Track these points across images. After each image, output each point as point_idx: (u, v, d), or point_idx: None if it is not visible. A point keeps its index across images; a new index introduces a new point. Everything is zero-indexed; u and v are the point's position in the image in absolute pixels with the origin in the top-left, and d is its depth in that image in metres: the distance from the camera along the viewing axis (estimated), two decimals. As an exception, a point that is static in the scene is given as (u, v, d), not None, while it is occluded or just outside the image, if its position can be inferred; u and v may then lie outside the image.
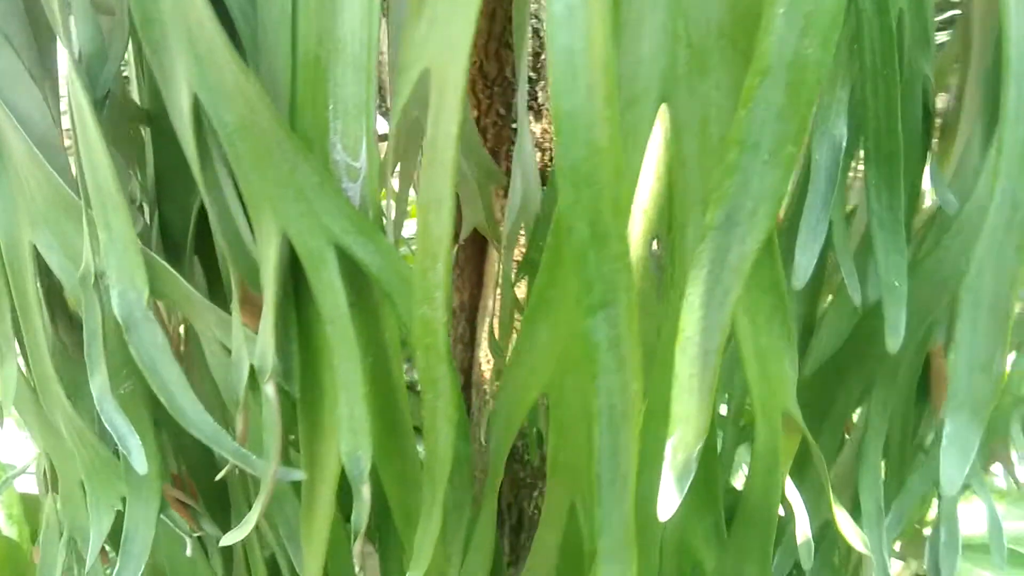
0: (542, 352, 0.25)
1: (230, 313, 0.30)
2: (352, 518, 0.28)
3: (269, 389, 0.27)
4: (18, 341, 0.39)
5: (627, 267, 0.18)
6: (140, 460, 0.32)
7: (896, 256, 0.30)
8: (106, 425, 0.32)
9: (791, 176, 0.19)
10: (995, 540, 0.41)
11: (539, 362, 0.25)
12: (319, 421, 0.30)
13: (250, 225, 0.33)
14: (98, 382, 0.32)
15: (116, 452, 0.37)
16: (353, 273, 0.26)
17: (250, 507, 0.41)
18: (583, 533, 0.27)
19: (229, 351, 0.32)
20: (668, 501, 0.21)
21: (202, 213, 0.35)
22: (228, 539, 0.31)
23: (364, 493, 0.27)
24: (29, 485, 0.83)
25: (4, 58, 0.32)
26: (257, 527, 0.44)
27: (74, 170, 0.31)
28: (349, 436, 0.27)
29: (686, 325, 0.21)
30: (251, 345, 0.29)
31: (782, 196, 0.19)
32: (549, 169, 0.57)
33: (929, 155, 0.35)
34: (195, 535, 0.38)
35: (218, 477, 0.32)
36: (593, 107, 0.17)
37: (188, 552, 0.37)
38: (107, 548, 0.43)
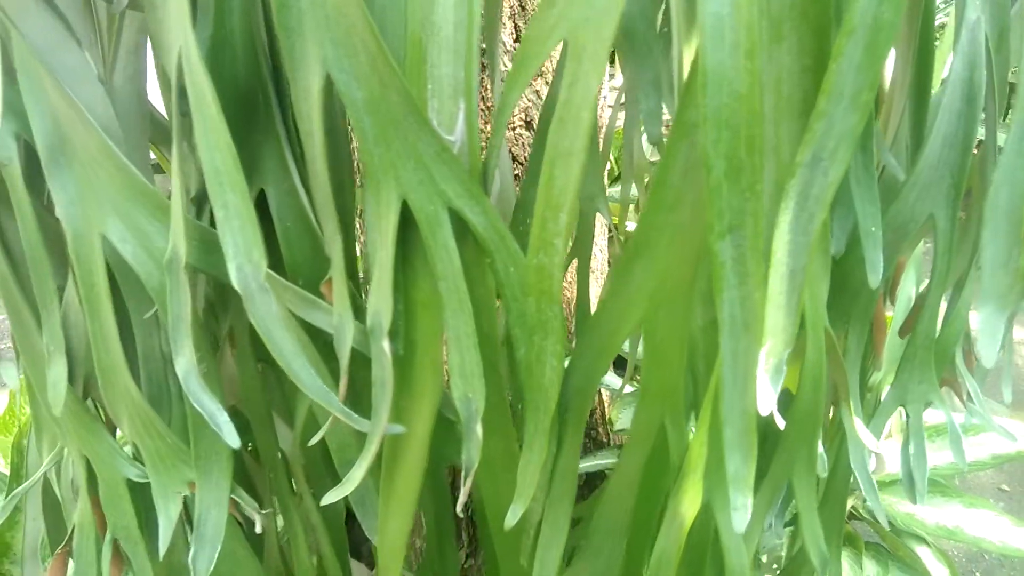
0: (637, 289, 0.29)
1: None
2: (463, 458, 0.31)
3: (386, 346, 0.30)
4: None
5: (757, 195, 0.22)
6: (232, 435, 0.33)
7: (871, 207, 0.36)
8: (194, 404, 0.33)
9: (866, 119, 0.24)
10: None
11: (634, 298, 0.29)
12: (411, 377, 0.33)
13: (312, 206, 0.35)
14: (183, 363, 0.33)
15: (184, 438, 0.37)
16: (459, 233, 0.29)
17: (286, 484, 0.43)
18: (671, 448, 0.31)
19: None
20: (766, 398, 0.26)
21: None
22: (330, 497, 0.33)
23: (477, 431, 0.30)
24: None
25: (71, 54, 0.33)
26: (300, 500, 0.45)
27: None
28: (461, 381, 0.30)
29: (777, 248, 0.25)
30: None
31: (857, 137, 0.24)
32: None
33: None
34: (263, 512, 0.40)
35: (316, 439, 0.33)
36: (737, 61, 0.21)
37: (258, 529, 0.39)
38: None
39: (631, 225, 1.38)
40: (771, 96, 0.25)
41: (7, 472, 0.86)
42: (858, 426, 0.36)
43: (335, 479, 0.40)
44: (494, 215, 0.29)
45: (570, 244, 0.59)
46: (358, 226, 0.65)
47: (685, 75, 0.28)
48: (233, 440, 0.33)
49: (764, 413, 0.26)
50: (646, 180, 0.73)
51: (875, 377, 0.74)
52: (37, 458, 0.57)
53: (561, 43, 0.24)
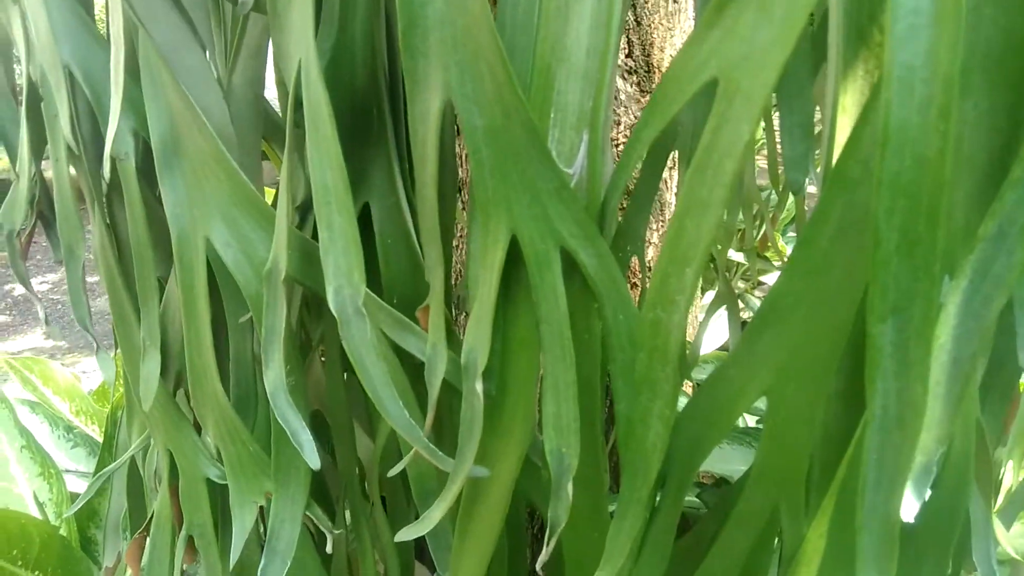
0: (764, 359, 0.26)
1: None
2: (550, 515, 0.28)
3: (479, 386, 0.28)
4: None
5: (932, 276, 0.19)
6: (313, 455, 0.32)
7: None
8: (278, 419, 0.32)
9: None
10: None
11: (759, 368, 0.26)
12: (501, 419, 0.30)
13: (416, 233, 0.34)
14: (272, 376, 0.32)
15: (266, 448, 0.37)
16: (568, 274, 0.27)
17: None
18: (785, 537, 0.28)
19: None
20: (909, 504, 0.22)
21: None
22: (405, 534, 0.31)
23: (568, 489, 0.28)
24: (78, 485, 0.82)
25: (193, 55, 0.32)
26: (375, 526, 0.44)
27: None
28: (555, 434, 0.28)
29: (941, 332, 0.22)
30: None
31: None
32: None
33: None
34: (336, 532, 0.39)
35: (396, 470, 0.32)
36: (927, 121, 0.18)
37: (328, 549, 0.38)
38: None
39: (733, 254, 1.32)
40: (950, 156, 0.22)
41: (98, 437, 0.90)
42: (997, 526, 0.32)
43: (409, 494, 0.39)
44: (609, 259, 0.26)
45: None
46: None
47: (840, 121, 0.25)
48: (314, 461, 0.32)
49: (906, 519, 0.23)
50: (754, 209, 0.69)
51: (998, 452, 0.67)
52: (127, 438, 0.59)
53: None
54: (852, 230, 0.23)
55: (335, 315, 0.28)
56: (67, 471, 0.81)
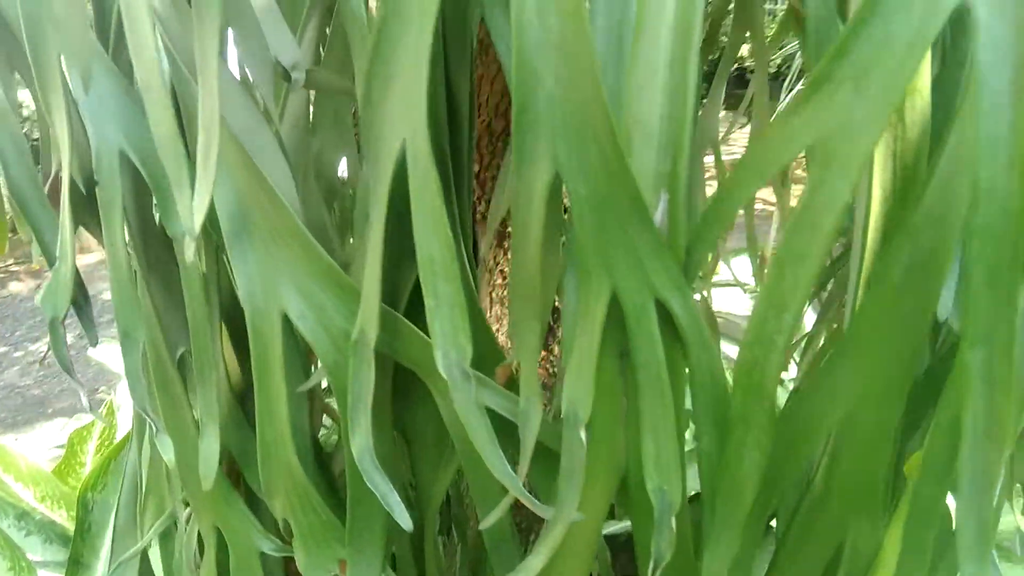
0: (843, 387, 0.29)
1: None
2: (653, 550, 0.30)
3: (583, 435, 0.29)
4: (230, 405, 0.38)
5: (1014, 306, 0.23)
6: (405, 517, 0.33)
7: None
8: (368, 484, 0.33)
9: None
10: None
11: (839, 395, 0.29)
12: (589, 464, 0.32)
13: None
14: (359, 442, 0.33)
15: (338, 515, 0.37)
16: (661, 323, 0.29)
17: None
18: (860, 546, 0.31)
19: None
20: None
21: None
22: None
23: (672, 525, 0.30)
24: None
25: (262, 133, 0.33)
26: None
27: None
28: (656, 473, 0.30)
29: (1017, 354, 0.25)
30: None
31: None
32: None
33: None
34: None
35: (489, 521, 0.33)
36: (1011, 182, 0.21)
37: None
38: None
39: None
40: None
41: (64, 522, 0.84)
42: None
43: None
44: (694, 305, 0.29)
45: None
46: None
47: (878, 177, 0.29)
48: (406, 522, 0.33)
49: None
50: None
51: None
52: (129, 519, 0.56)
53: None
54: (918, 269, 0.26)
55: (445, 377, 0.29)
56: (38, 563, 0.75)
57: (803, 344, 0.82)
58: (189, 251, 0.30)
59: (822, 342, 0.71)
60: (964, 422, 0.24)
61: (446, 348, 0.29)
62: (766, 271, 0.27)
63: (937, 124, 0.27)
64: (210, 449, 0.37)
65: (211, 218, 0.33)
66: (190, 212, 0.27)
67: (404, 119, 0.27)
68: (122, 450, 0.76)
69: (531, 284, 0.30)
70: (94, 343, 0.40)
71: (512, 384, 0.35)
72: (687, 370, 0.30)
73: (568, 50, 0.25)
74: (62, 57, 0.33)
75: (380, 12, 0.27)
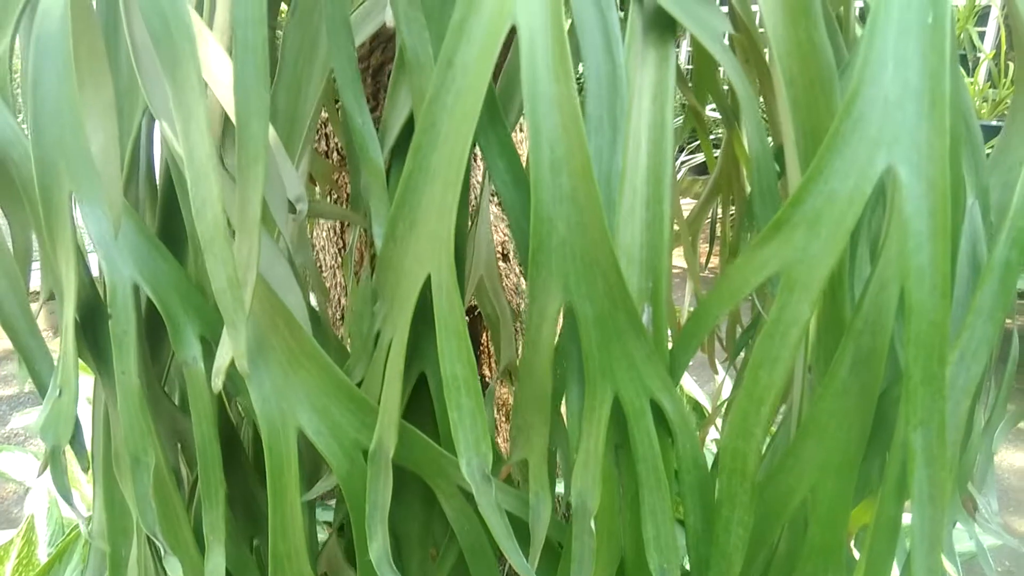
0: (808, 463, 0.34)
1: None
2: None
3: (592, 525, 0.33)
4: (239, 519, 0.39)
5: (943, 397, 0.29)
6: (425, 617, 0.35)
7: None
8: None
9: (1000, 330, 0.31)
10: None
11: (806, 468, 0.34)
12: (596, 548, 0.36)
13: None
14: (377, 548, 0.35)
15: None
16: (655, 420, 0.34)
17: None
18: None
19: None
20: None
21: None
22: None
23: (675, 600, 0.34)
24: None
25: (280, 266, 0.36)
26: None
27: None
28: (657, 554, 0.34)
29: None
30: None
31: (994, 343, 0.31)
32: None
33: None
34: None
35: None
36: (935, 300, 0.28)
37: None
38: None
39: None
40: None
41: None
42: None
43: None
44: (682, 403, 0.34)
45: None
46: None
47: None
48: (427, 623, 0.35)
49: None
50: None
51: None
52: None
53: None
54: (861, 364, 0.32)
55: (468, 481, 0.32)
56: None
57: (724, 408, 0.89)
58: (218, 382, 0.32)
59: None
60: (912, 492, 0.30)
61: (469, 456, 0.32)
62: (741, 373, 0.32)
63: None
64: (216, 567, 0.37)
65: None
66: (243, 352, 0.29)
67: (430, 255, 0.31)
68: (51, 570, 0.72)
69: (540, 392, 0.33)
70: (86, 468, 0.40)
71: (508, 479, 0.38)
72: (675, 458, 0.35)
73: (579, 202, 0.29)
74: (74, 197, 0.35)
75: (408, 166, 0.31)
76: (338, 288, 0.92)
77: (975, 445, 0.52)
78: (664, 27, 0.34)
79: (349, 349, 0.42)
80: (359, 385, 0.39)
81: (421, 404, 0.40)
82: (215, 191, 0.26)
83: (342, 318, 0.92)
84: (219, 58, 0.30)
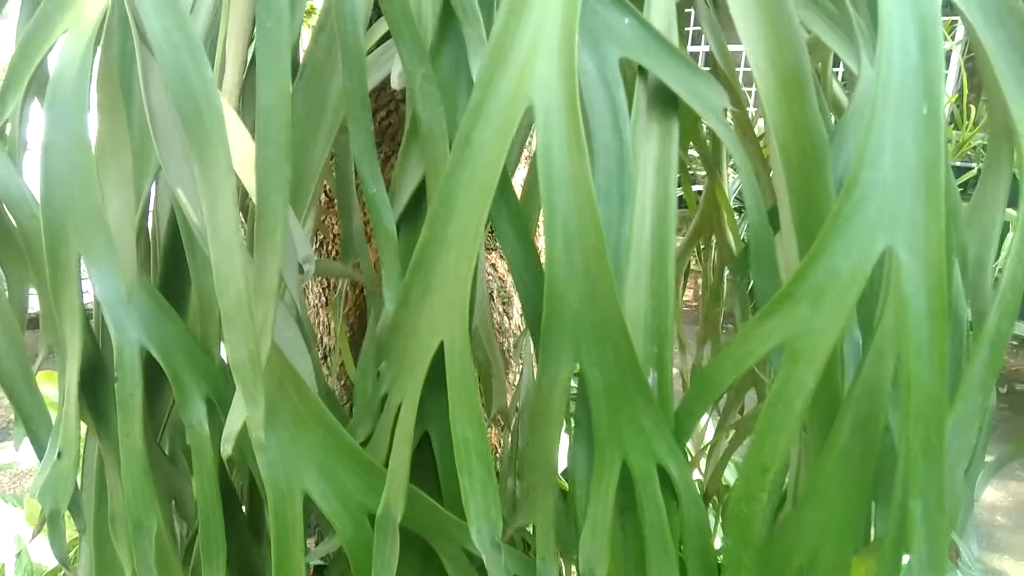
0: (809, 525, 0.35)
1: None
2: None
3: (601, 591, 0.33)
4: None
5: (941, 466, 0.30)
6: None
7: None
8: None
9: (989, 397, 0.32)
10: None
11: (806, 531, 0.35)
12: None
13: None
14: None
15: None
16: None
17: None
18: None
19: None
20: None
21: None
22: None
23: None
24: None
25: (290, 330, 0.36)
26: None
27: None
28: (663, 617, 0.34)
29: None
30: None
31: (984, 411, 0.32)
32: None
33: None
34: None
35: None
36: (934, 377, 0.29)
37: None
38: None
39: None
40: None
41: None
42: None
43: None
44: (687, 467, 0.34)
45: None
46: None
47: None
48: None
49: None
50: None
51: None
52: None
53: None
54: (860, 430, 0.33)
55: (478, 547, 0.32)
56: None
57: (708, 450, 0.90)
58: (227, 449, 0.32)
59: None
60: (912, 558, 0.31)
61: (479, 523, 0.32)
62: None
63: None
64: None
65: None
66: (261, 424, 0.29)
67: (445, 322, 0.32)
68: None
69: (548, 457, 0.34)
70: (82, 530, 0.39)
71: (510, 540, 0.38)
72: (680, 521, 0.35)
73: (591, 277, 0.30)
74: (82, 260, 0.35)
75: (424, 235, 0.32)
76: (321, 327, 0.92)
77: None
78: (667, 102, 0.36)
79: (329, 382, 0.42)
80: (363, 444, 0.39)
81: (423, 461, 0.40)
82: (239, 269, 0.27)
83: (324, 358, 0.92)
84: (236, 129, 0.31)
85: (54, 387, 0.42)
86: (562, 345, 0.31)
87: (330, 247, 0.89)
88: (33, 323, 0.45)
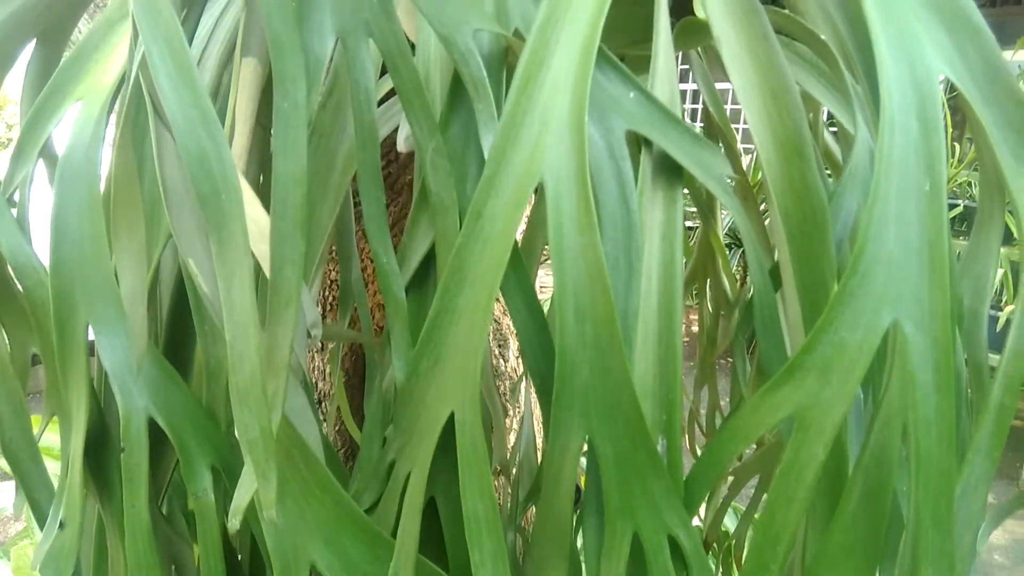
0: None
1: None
2: None
3: (614, 663, 0.33)
4: None
5: (951, 541, 0.30)
6: None
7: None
8: None
9: (996, 463, 0.32)
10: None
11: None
12: None
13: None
14: None
15: None
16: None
17: None
18: None
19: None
20: None
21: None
22: None
23: None
24: None
25: (298, 398, 0.36)
26: None
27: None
28: None
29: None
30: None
31: (990, 480, 0.33)
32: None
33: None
34: None
35: None
36: (942, 451, 0.29)
37: None
38: None
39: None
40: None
41: None
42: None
43: None
44: (697, 536, 0.34)
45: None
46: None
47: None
48: None
49: None
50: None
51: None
52: None
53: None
54: (867, 500, 0.33)
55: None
56: None
57: (707, 497, 0.90)
58: (235, 523, 0.31)
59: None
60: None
61: (491, 596, 0.32)
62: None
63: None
64: None
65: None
66: (273, 501, 0.29)
67: (455, 393, 0.32)
68: None
69: (560, 528, 0.34)
70: (82, 602, 0.39)
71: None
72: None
73: (602, 347, 0.31)
74: (90, 327, 0.35)
75: (435, 306, 0.32)
76: (316, 372, 0.92)
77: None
78: (671, 171, 0.36)
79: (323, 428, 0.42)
80: (369, 510, 0.39)
81: (428, 523, 0.40)
82: (253, 348, 0.27)
83: (319, 403, 0.91)
84: (250, 203, 0.31)
85: (53, 435, 0.41)
86: (573, 416, 0.31)
87: (327, 292, 0.89)
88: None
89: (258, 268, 0.31)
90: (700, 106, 0.79)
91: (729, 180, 0.37)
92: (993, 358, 0.37)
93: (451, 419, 0.33)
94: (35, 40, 0.49)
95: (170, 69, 0.26)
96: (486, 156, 0.32)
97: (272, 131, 0.28)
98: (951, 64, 0.31)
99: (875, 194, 0.30)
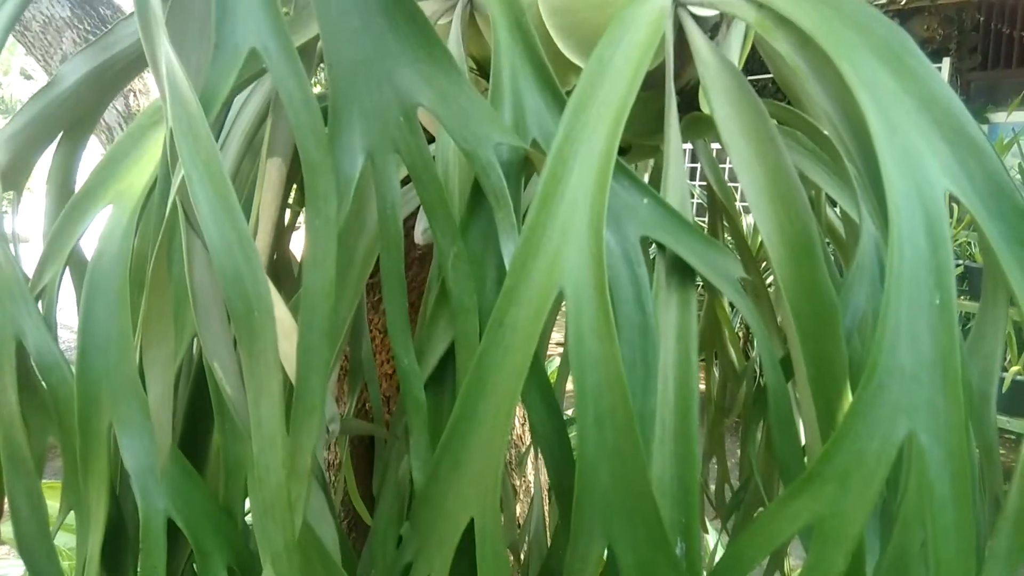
0: None
1: None
2: None
3: None
4: None
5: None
6: None
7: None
8: None
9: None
10: None
11: None
12: None
13: None
14: None
15: None
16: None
17: None
18: None
19: None
20: None
21: None
22: None
23: None
24: None
25: (317, 497, 0.36)
26: None
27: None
28: None
29: None
30: None
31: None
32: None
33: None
34: None
35: None
36: (961, 514, 0.29)
37: None
38: None
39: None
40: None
41: None
42: None
43: None
44: (699, 563, 0.34)
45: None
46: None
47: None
48: None
49: None
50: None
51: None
52: None
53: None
54: None
55: None
56: None
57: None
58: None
59: None
60: None
61: None
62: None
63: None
64: None
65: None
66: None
67: (475, 499, 0.32)
68: None
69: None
70: None
71: None
72: None
73: (622, 454, 0.31)
74: (115, 428, 0.35)
75: (456, 412, 0.32)
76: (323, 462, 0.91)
77: None
78: (684, 273, 0.37)
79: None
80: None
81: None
82: (280, 461, 0.27)
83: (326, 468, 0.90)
84: (279, 312, 0.32)
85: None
86: (594, 523, 0.32)
87: (339, 373, 0.90)
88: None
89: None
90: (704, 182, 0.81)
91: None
92: (999, 419, 0.37)
93: (470, 524, 0.33)
94: (62, 132, 0.50)
95: (209, 194, 0.27)
96: (506, 263, 0.33)
97: (304, 244, 0.29)
98: (955, 179, 0.33)
99: (886, 307, 0.30)
